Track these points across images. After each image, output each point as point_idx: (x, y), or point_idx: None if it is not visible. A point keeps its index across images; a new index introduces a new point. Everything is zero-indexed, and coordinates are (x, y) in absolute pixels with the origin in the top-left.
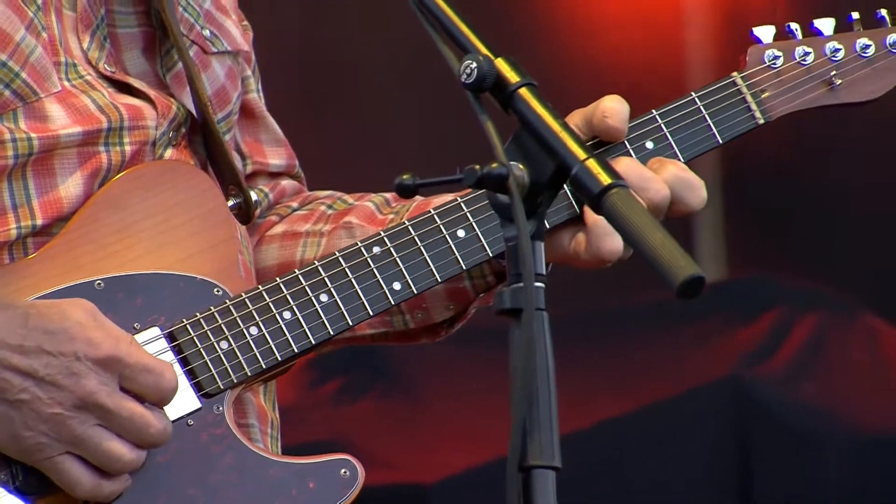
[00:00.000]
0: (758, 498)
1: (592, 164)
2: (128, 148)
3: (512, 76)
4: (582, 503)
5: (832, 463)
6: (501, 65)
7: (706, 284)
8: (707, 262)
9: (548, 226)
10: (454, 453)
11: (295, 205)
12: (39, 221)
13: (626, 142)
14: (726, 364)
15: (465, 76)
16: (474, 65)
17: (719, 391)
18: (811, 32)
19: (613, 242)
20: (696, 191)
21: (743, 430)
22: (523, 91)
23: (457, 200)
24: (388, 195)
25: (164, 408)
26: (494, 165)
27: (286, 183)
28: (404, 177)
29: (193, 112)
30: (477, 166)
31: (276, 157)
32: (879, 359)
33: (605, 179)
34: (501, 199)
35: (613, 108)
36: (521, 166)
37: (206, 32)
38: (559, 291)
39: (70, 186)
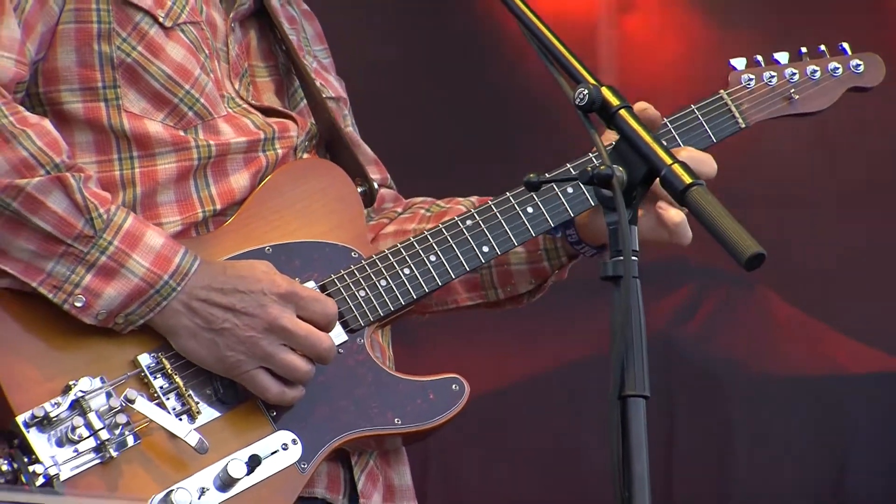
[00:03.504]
0: (679, 424)
1: (677, 167)
2: (279, 151)
3: (614, 100)
4: (530, 446)
5: (737, 399)
6: (606, 91)
7: (765, 258)
8: None
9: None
10: None
11: (399, 209)
12: (218, 206)
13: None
14: (655, 325)
15: (578, 100)
16: (586, 91)
17: (650, 345)
18: (772, 62)
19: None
20: (707, 163)
21: (668, 375)
22: (622, 112)
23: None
24: (473, 198)
25: None
26: (602, 167)
27: (384, 191)
28: (531, 175)
29: (318, 127)
30: (589, 167)
31: (373, 172)
32: (772, 322)
33: (687, 179)
34: (606, 193)
35: (648, 105)
36: (620, 168)
37: (317, 83)
38: None
39: (240, 181)
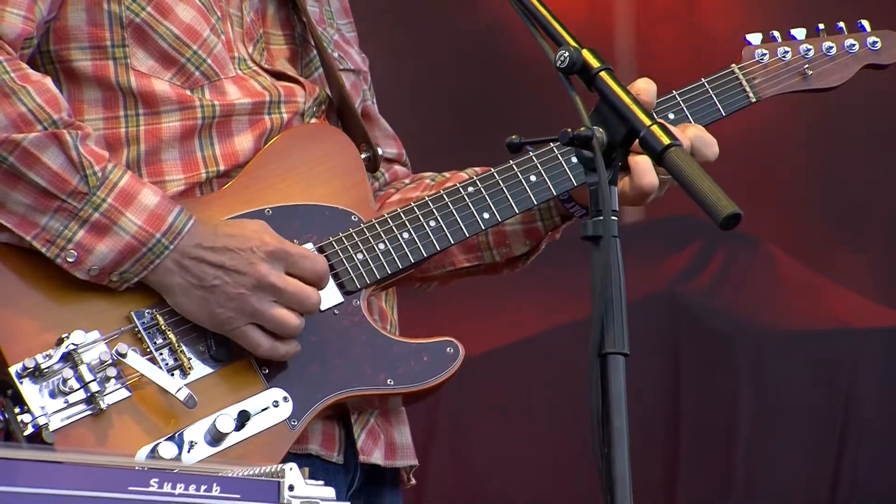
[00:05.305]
0: (685, 378)
1: (655, 128)
2: (285, 115)
3: (594, 62)
4: (540, 397)
5: (743, 354)
6: (586, 54)
7: (742, 218)
8: (629, 207)
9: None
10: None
11: (407, 181)
12: (222, 168)
13: (653, 113)
14: (662, 283)
15: (559, 62)
16: (567, 54)
17: (657, 301)
18: (788, 37)
19: (651, 178)
20: (711, 146)
21: (675, 330)
22: (603, 74)
23: (530, 155)
24: (476, 169)
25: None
26: (582, 129)
27: (398, 168)
28: (513, 137)
29: (330, 96)
30: (570, 129)
31: (389, 147)
32: (776, 278)
33: (666, 140)
34: (586, 154)
35: (645, 88)
36: (600, 130)
37: (335, 55)
38: None
39: (243, 142)
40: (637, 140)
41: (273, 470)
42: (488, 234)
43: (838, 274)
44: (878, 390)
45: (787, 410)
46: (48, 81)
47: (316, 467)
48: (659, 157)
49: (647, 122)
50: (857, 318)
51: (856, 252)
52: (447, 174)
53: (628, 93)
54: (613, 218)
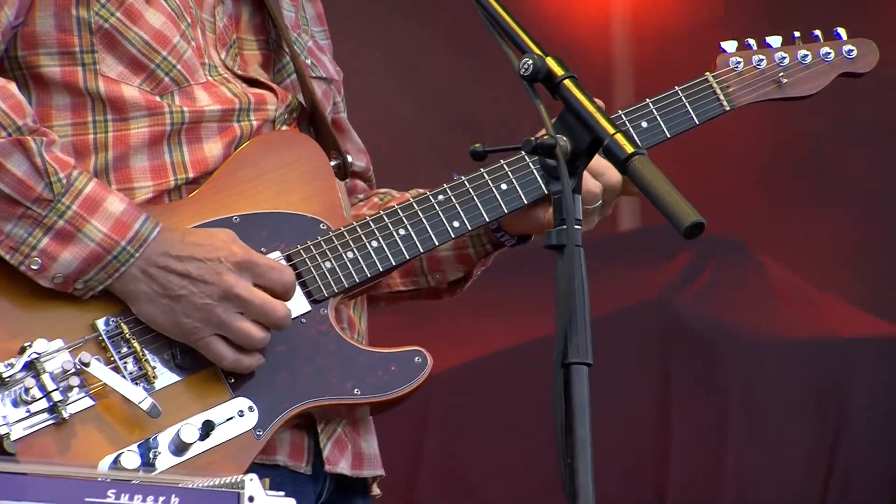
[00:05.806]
0: (675, 387)
1: (619, 137)
2: (254, 123)
3: (559, 70)
4: (533, 404)
5: (732, 361)
6: (551, 62)
7: (705, 227)
8: (626, 213)
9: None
10: (449, 352)
11: (360, 196)
12: (191, 175)
13: (627, 122)
14: (654, 291)
15: (523, 70)
16: (530, 61)
17: (647, 310)
18: (764, 45)
19: (614, 172)
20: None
21: (665, 338)
22: (567, 82)
23: (501, 163)
24: (424, 190)
25: None
26: (545, 137)
27: (359, 183)
28: (476, 145)
29: (303, 103)
30: (532, 137)
31: (359, 160)
32: (767, 287)
33: (629, 148)
34: (550, 162)
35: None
36: (564, 138)
37: (308, 62)
38: None
39: (213, 149)
40: (601, 148)
41: (233, 481)
42: (422, 260)
43: (829, 283)
44: (869, 399)
45: (777, 418)
46: (13, 87)
47: (284, 478)
48: (622, 165)
49: (611, 130)
50: (847, 328)
51: (846, 262)
52: (395, 193)
53: (592, 101)
54: (577, 227)
